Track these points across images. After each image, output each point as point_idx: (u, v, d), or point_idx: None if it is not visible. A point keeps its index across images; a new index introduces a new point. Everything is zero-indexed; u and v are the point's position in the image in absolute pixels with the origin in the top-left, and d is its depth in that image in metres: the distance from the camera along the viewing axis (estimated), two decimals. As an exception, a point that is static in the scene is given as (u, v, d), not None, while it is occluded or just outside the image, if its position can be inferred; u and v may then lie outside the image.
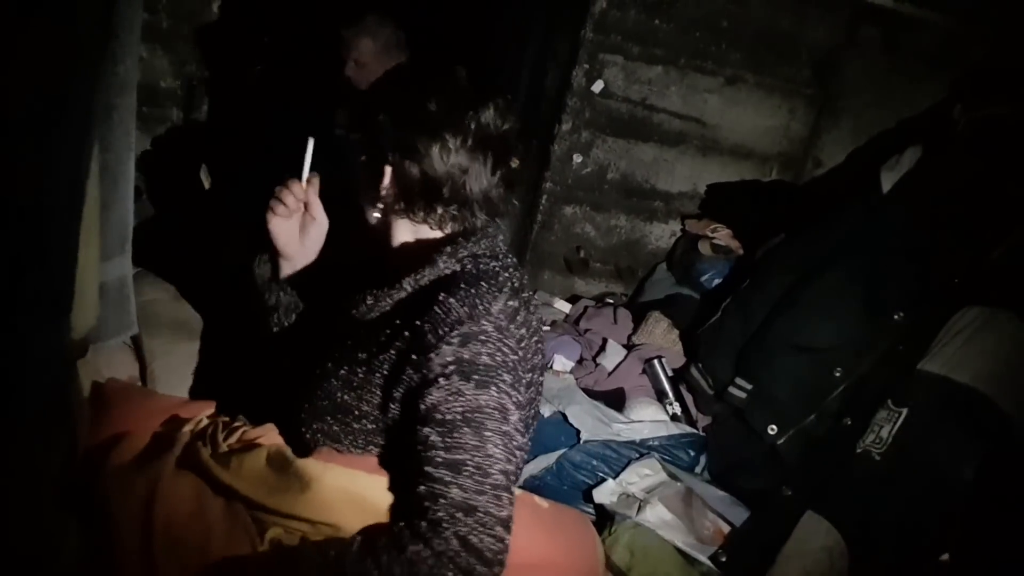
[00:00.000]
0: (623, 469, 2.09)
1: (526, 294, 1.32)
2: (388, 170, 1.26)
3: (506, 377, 1.16)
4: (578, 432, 2.16)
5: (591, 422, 2.19)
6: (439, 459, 1.10)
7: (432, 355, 1.14)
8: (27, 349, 0.96)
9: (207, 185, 2.21)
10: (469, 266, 1.25)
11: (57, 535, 1.07)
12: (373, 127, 1.29)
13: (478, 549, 1.07)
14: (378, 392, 1.23)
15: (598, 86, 2.80)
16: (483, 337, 1.16)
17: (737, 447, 2.23)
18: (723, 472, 2.20)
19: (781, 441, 2.14)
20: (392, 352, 1.21)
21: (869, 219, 2.25)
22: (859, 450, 1.92)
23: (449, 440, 1.11)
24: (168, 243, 2.27)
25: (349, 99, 2.88)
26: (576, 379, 2.47)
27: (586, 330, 2.76)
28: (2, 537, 0.98)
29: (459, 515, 1.07)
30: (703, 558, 1.89)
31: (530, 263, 3.03)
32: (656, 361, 2.47)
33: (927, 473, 1.85)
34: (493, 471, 1.11)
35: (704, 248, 2.89)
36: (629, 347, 2.65)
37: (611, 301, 3.03)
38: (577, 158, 2.91)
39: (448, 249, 1.25)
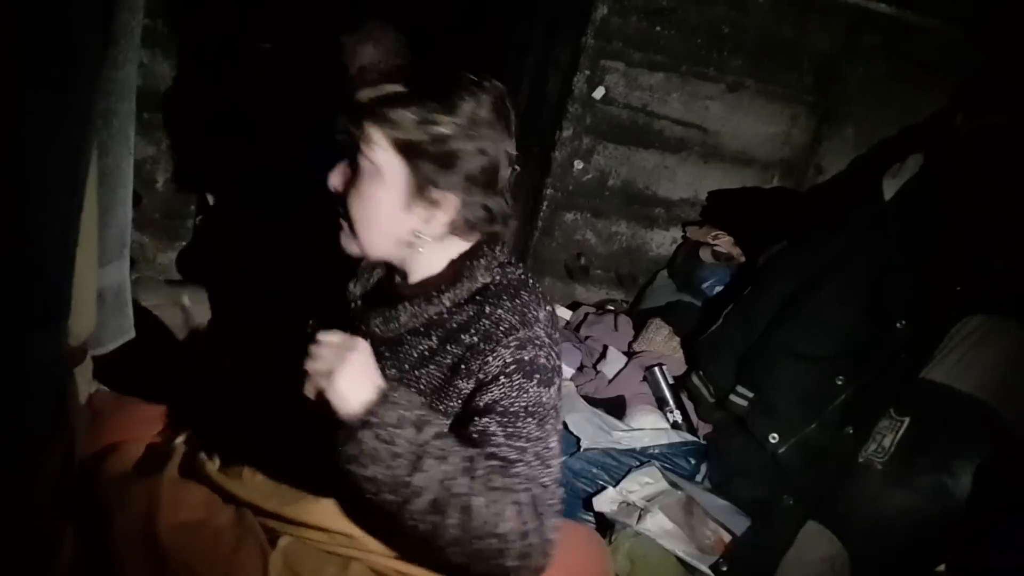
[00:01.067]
0: (623, 477, 2.08)
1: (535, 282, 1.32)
2: (454, 200, 1.17)
3: (557, 381, 1.17)
4: (578, 440, 2.15)
5: (591, 430, 2.18)
6: (501, 442, 1.09)
7: (489, 358, 1.12)
8: (24, 355, 0.95)
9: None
10: (499, 277, 1.22)
11: (52, 543, 1.06)
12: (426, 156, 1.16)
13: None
14: None
15: (599, 92, 2.79)
16: (538, 342, 1.15)
17: (738, 456, 2.22)
18: (724, 481, 2.18)
19: (782, 450, 2.13)
20: (432, 367, 1.18)
21: (871, 226, 2.25)
22: (861, 459, 1.91)
23: (511, 428, 1.09)
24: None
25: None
26: (576, 386, 2.46)
27: (587, 337, 2.75)
28: (2, 542, 0.97)
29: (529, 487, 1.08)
30: (704, 567, 1.88)
31: (531, 269, 3.00)
32: (657, 368, 2.47)
33: (929, 482, 1.84)
34: (552, 463, 1.11)
35: (705, 255, 2.89)
36: (630, 354, 2.65)
37: (612, 308, 3.02)
38: (578, 164, 2.90)
39: (483, 261, 1.20)
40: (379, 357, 1.15)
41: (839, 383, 2.10)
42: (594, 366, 2.59)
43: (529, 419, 1.11)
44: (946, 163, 2.22)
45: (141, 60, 1.25)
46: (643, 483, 2.06)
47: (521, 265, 1.29)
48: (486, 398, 1.12)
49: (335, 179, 1.23)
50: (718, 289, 2.78)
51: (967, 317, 1.94)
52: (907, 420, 1.88)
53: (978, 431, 1.83)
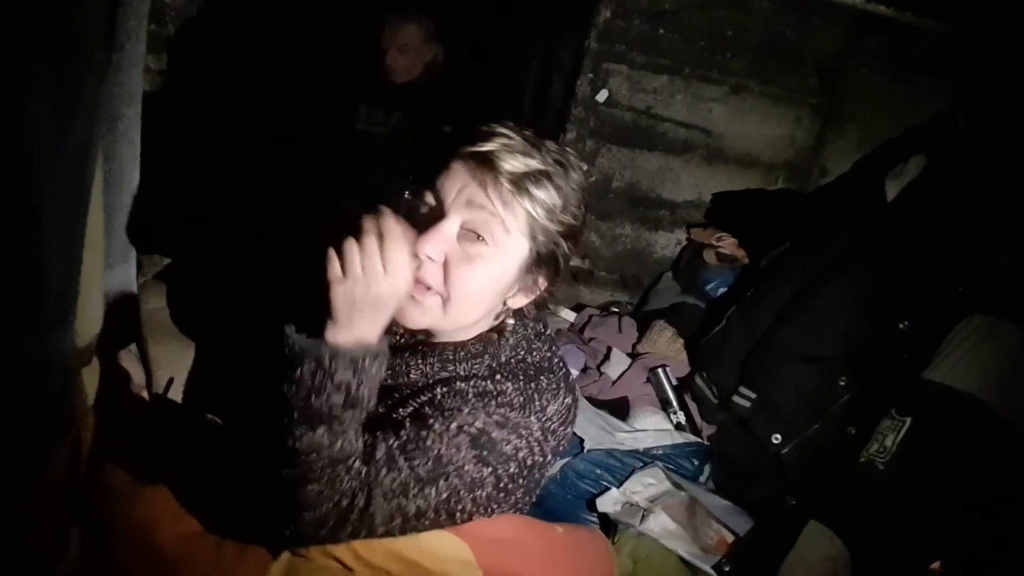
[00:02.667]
0: (627, 478, 2.08)
1: (562, 360, 1.25)
2: (544, 284, 1.16)
3: (513, 473, 1.08)
4: (582, 441, 2.16)
5: (595, 431, 2.19)
6: (391, 443, 1.05)
7: (465, 410, 1.07)
8: (32, 356, 0.97)
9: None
10: (522, 353, 1.17)
11: (58, 544, 1.08)
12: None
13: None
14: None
15: (603, 95, 2.81)
16: (523, 432, 1.08)
17: (741, 456, 2.22)
18: (727, 481, 2.19)
19: (785, 450, 2.14)
20: (416, 404, 1.13)
21: (874, 228, 2.25)
22: (863, 459, 1.91)
23: (411, 449, 1.05)
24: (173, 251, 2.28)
25: (372, 93, 2.90)
26: (580, 388, 2.47)
27: (590, 339, 2.76)
28: (7, 543, 0.98)
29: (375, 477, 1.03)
30: (707, 567, 1.88)
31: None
32: (660, 370, 2.47)
33: (931, 482, 1.84)
34: (411, 503, 1.04)
35: (709, 257, 2.89)
36: (633, 356, 2.65)
37: (616, 310, 3.03)
38: (582, 167, 2.91)
39: (512, 340, 1.16)
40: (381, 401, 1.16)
41: (842, 384, 2.11)
42: (598, 367, 2.60)
43: (430, 463, 1.04)
44: (948, 164, 2.22)
45: (147, 65, 1.26)
46: (646, 484, 2.07)
47: (552, 338, 1.24)
48: (426, 422, 1.07)
49: (432, 246, 1.09)
50: (722, 291, 2.79)
51: (969, 317, 1.94)
52: (909, 420, 1.88)
53: (979, 431, 1.83)
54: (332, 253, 1.01)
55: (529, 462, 1.09)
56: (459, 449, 1.05)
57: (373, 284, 1.00)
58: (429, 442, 1.05)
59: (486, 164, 1.10)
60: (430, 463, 1.05)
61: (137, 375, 1.84)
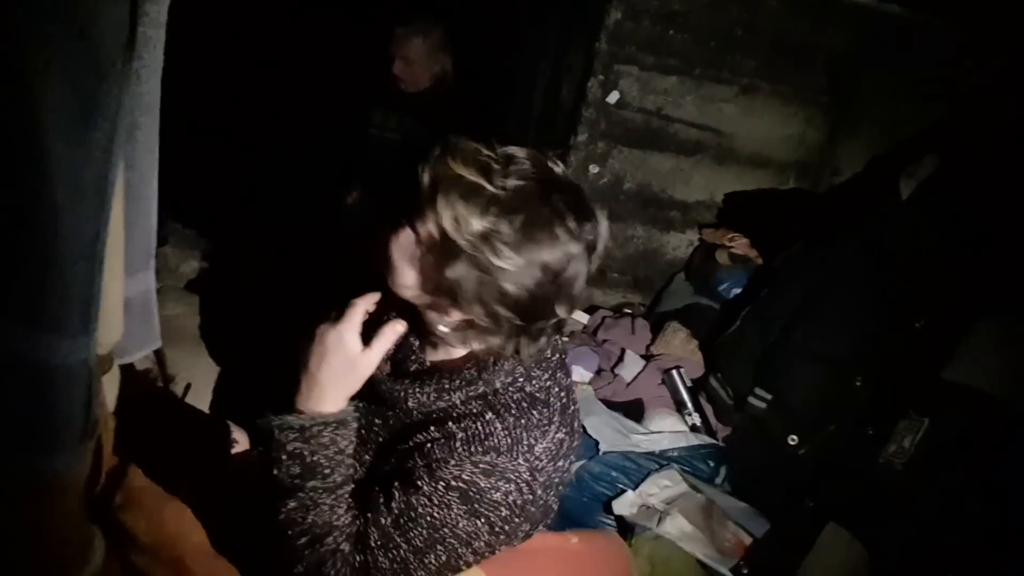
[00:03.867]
0: (643, 480, 2.08)
1: (570, 379, 1.22)
2: (462, 311, 1.09)
3: (505, 516, 1.08)
4: (597, 443, 2.16)
5: (610, 433, 2.18)
6: (384, 521, 1.08)
7: (451, 461, 1.06)
8: (56, 362, 0.98)
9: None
10: (521, 380, 1.14)
11: (82, 550, 1.08)
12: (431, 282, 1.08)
13: None
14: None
15: (613, 97, 2.80)
16: (511, 475, 1.07)
17: (758, 458, 2.21)
18: (744, 483, 2.18)
19: (802, 451, 2.13)
20: (411, 444, 1.14)
21: (888, 226, 2.24)
22: (881, 460, 1.91)
23: (404, 523, 1.07)
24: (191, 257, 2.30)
25: (387, 98, 2.92)
26: (595, 390, 2.46)
27: (604, 340, 2.76)
28: (34, 549, 0.99)
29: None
30: (724, 570, 1.88)
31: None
32: (675, 371, 2.47)
33: (951, 484, 1.83)
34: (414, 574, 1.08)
35: (722, 258, 2.88)
36: (647, 357, 2.65)
37: (629, 311, 3.02)
38: (593, 168, 2.91)
39: (507, 366, 1.12)
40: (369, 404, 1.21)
41: (858, 384, 2.10)
42: (612, 369, 2.59)
43: (425, 531, 1.06)
44: (963, 162, 2.21)
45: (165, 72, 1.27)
46: (663, 486, 2.06)
47: (559, 363, 1.20)
48: (416, 482, 1.07)
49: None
50: (735, 291, 2.78)
51: (985, 316, 1.93)
52: (927, 421, 1.87)
53: (998, 432, 1.82)
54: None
55: (519, 503, 1.08)
56: (450, 508, 1.06)
57: (323, 364, 1.12)
58: (420, 509, 1.07)
59: (436, 164, 1.10)
60: (425, 531, 1.06)
61: (157, 381, 1.85)
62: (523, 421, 1.10)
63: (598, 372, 2.59)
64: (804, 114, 3.02)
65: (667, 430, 2.29)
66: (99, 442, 1.22)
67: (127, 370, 1.54)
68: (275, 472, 1.12)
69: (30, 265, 0.87)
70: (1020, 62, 2.60)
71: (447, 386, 1.13)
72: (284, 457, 1.11)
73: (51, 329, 0.95)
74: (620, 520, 2.02)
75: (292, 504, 1.11)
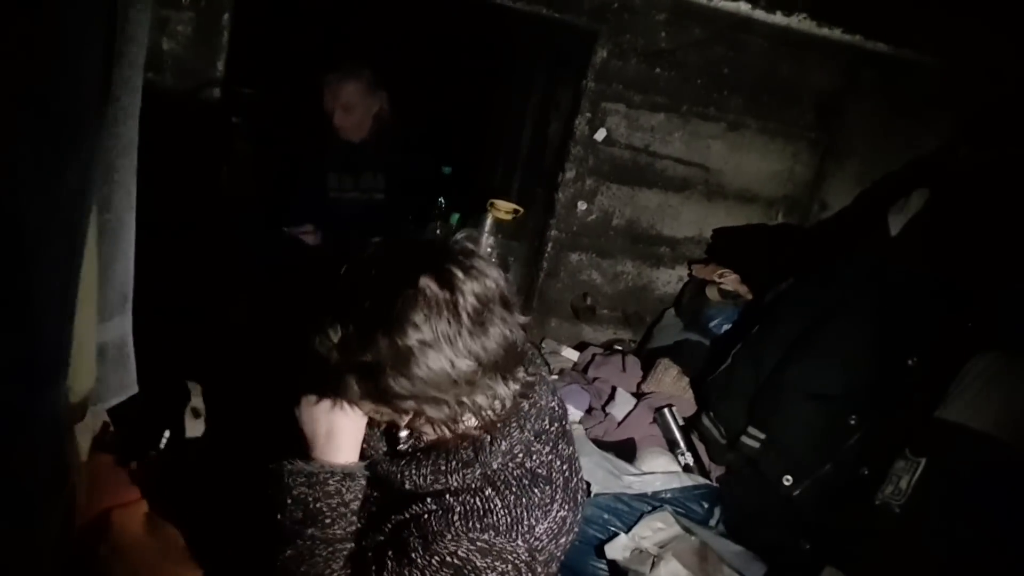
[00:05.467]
0: (635, 523, 2.04)
1: (572, 447, 1.18)
2: (417, 417, 1.06)
3: None
4: (588, 485, 2.12)
5: (602, 474, 2.15)
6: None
7: (448, 536, 1.03)
8: (23, 414, 0.94)
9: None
10: (521, 456, 1.09)
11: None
12: (355, 376, 1.02)
13: None
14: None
15: (601, 134, 2.81)
16: (508, 556, 1.03)
17: (752, 499, 2.18)
18: (738, 525, 2.14)
19: (797, 492, 2.10)
20: (407, 515, 1.10)
21: (878, 263, 2.23)
22: (878, 501, 1.87)
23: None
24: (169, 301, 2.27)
25: (337, 159, 2.93)
26: (585, 429, 2.43)
27: (595, 378, 2.73)
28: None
29: None
30: (720, 616, 1.84)
31: (537, 311, 3.01)
32: (666, 410, 2.44)
33: (949, 525, 1.79)
34: None
35: (712, 293, 2.87)
36: (639, 395, 2.62)
37: (619, 348, 3.00)
38: (582, 205, 2.91)
39: (504, 445, 1.07)
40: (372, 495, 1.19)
41: (852, 422, 2.07)
42: (603, 408, 2.56)
43: None
44: (951, 197, 2.21)
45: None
46: (656, 529, 2.02)
47: (560, 434, 1.16)
48: (409, 554, 1.04)
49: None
50: (726, 327, 2.76)
51: (979, 353, 1.91)
52: (924, 461, 1.84)
53: (997, 471, 1.79)
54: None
55: None
56: None
57: (327, 415, 1.12)
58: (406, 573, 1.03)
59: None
60: None
61: (133, 430, 1.81)
62: (524, 500, 1.05)
63: (589, 411, 2.55)
64: (791, 150, 3.04)
65: (659, 470, 2.25)
66: (71, 492, 1.18)
67: (102, 419, 1.50)
68: (278, 516, 1.11)
69: (-6, 314, 0.84)
70: (1007, 98, 2.63)
71: (443, 468, 1.08)
72: (288, 501, 1.11)
73: (19, 378, 0.92)
74: (612, 564, 1.98)
75: (289, 552, 1.10)
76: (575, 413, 2.51)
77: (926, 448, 1.86)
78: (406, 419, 1.07)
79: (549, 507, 1.07)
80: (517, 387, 1.06)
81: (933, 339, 2.03)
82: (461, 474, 1.07)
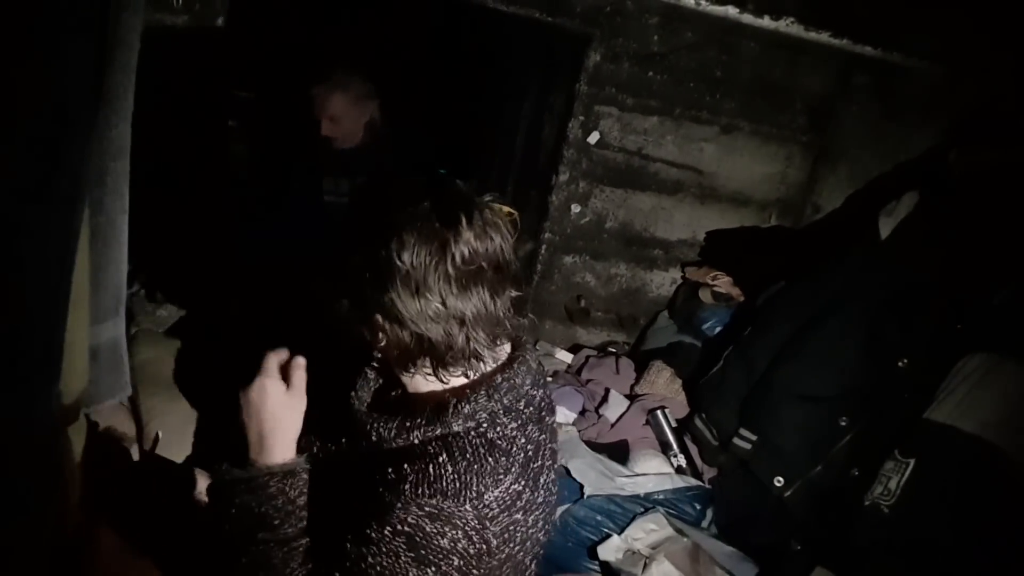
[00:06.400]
0: (628, 524, 2.05)
1: (545, 436, 1.19)
2: (379, 332, 1.10)
3: (458, 565, 1.04)
4: (581, 487, 2.13)
5: (594, 476, 2.15)
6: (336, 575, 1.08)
7: (398, 505, 1.04)
8: (15, 417, 0.95)
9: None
10: (485, 426, 1.10)
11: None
12: (349, 283, 1.08)
13: None
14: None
15: (594, 137, 2.82)
16: (457, 521, 1.03)
17: (744, 500, 2.18)
18: (730, 526, 2.15)
19: (788, 493, 2.10)
20: (367, 484, 1.12)
21: (869, 265, 2.24)
22: (867, 502, 1.88)
23: (355, 574, 1.05)
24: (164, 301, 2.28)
25: (330, 163, 2.93)
26: (579, 431, 2.44)
27: (588, 380, 2.73)
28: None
29: None
30: (712, 617, 1.84)
31: (531, 313, 3.01)
32: (659, 412, 2.45)
33: (938, 525, 1.80)
34: None
35: (705, 296, 2.88)
36: (632, 397, 2.63)
37: (613, 350, 3.01)
38: (575, 208, 2.92)
39: (468, 408, 1.09)
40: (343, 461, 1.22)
41: (843, 424, 2.08)
42: (596, 410, 2.57)
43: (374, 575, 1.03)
44: (941, 200, 2.23)
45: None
46: (648, 530, 2.03)
47: (533, 417, 1.17)
48: (366, 532, 1.05)
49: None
50: (719, 329, 2.77)
51: (968, 355, 1.92)
52: (913, 462, 1.85)
53: (984, 472, 1.80)
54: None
55: (472, 551, 1.04)
56: (398, 556, 1.03)
57: (255, 418, 1.15)
58: (371, 559, 1.04)
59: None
60: None
61: (127, 430, 1.81)
62: (476, 467, 1.06)
63: (582, 412, 2.56)
64: (784, 153, 3.05)
65: (652, 472, 2.26)
66: (64, 494, 1.19)
67: (95, 420, 1.50)
68: (226, 527, 1.12)
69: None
70: (997, 102, 2.64)
71: (408, 424, 1.11)
72: (233, 511, 1.12)
73: (10, 381, 0.92)
74: (605, 566, 1.98)
75: (245, 560, 1.11)
76: (568, 415, 2.51)
77: (915, 449, 1.87)
78: (378, 339, 1.11)
79: (501, 477, 1.08)
80: (478, 349, 1.08)
81: (923, 341, 2.04)
82: (422, 431, 1.10)
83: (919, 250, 2.15)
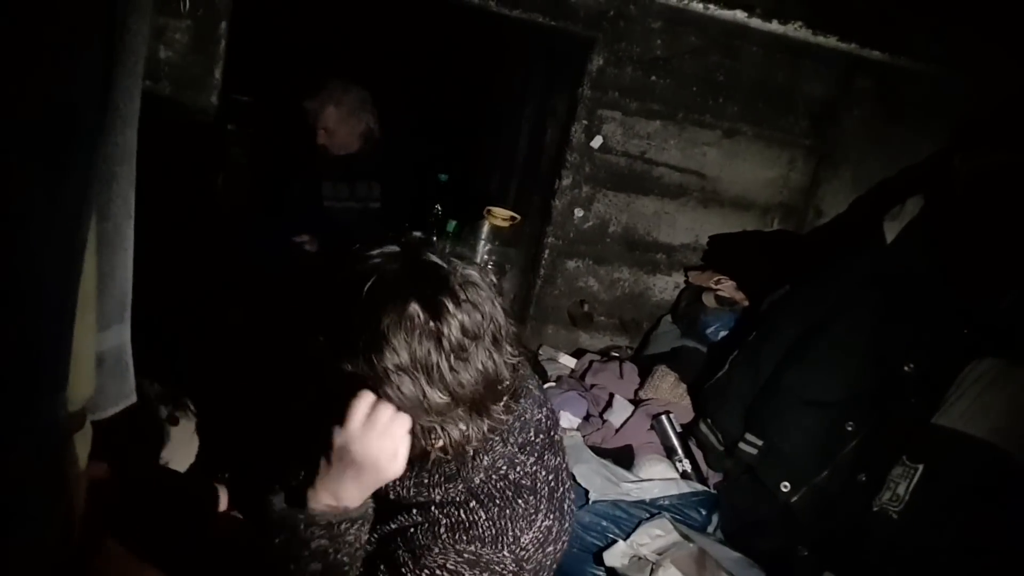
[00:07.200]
0: (634, 530, 2.04)
1: (560, 458, 1.16)
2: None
3: None
4: (587, 492, 2.12)
5: (600, 481, 2.14)
6: None
7: (435, 549, 1.02)
8: (23, 425, 0.94)
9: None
10: (504, 468, 1.09)
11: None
12: (339, 382, 1.02)
13: None
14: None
15: (597, 141, 2.82)
16: (496, 567, 1.03)
17: (750, 505, 2.17)
18: (736, 531, 2.14)
19: (795, 498, 2.09)
20: (394, 526, 1.10)
21: (874, 270, 2.24)
22: (876, 508, 1.87)
23: None
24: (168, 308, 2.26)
25: (328, 169, 2.93)
26: (583, 436, 2.43)
27: (592, 385, 2.73)
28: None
29: None
30: (719, 623, 1.83)
31: (534, 318, 3.01)
32: (664, 417, 2.44)
33: (948, 531, 1.79)
34: None
35: (708, 300, 2.87)
36: (636, 402, 2.62)
37: (616, 355, 3.00)
38: (578, 212, 2.92)
39: (487, 460, 1.07)
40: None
41: (849, 429, 2.07)
42: (600, 415, 2.56)
43: None
44: (947, 204, 2.22)
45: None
46: (654, 536, 2.02)
47: (546, 445, 1.15)
48: (400, 570, 1.02)
49: None
50: (723, 334, 2.76)
51: (976, 360, 1.91)
52: (921, 467, 1.84)
53: (994, 477, 1.79)
54: (353, 403, 0.99)
55: None
56: None
57: (375, 443, 0.99)
58: None
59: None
60: None
61: (132, 438, 1.80)
62: (508, 511, 1.05)
63: (586, 418, 2.55)
64: (787, 157, 3.05)
65: (657, 477, 2.25)
66: (70, 503, 1.18)
67: (100, 428, 1.49)
68: (291, 567, 1.04)
69: (-5, 324, 0.84)
70: (1000, 106, 2.64)
71: (426, 481, 1.08)
72: (307, 554, 1.04)
73: (18, 388, 0.91)
74: (611, 572, 1.97)
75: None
76: (572, 420, 2.51)
77: (923, 454, 1.86)
78: None
79: (534, 517, 1.07)
80: (489, 423, 1.04)
81: (930, 345, 2.03)
82: (444, 488, 1.07)
83: (925, 254, 2.15)
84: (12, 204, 0.83)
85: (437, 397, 0.98)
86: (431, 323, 0.97)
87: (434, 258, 1.02)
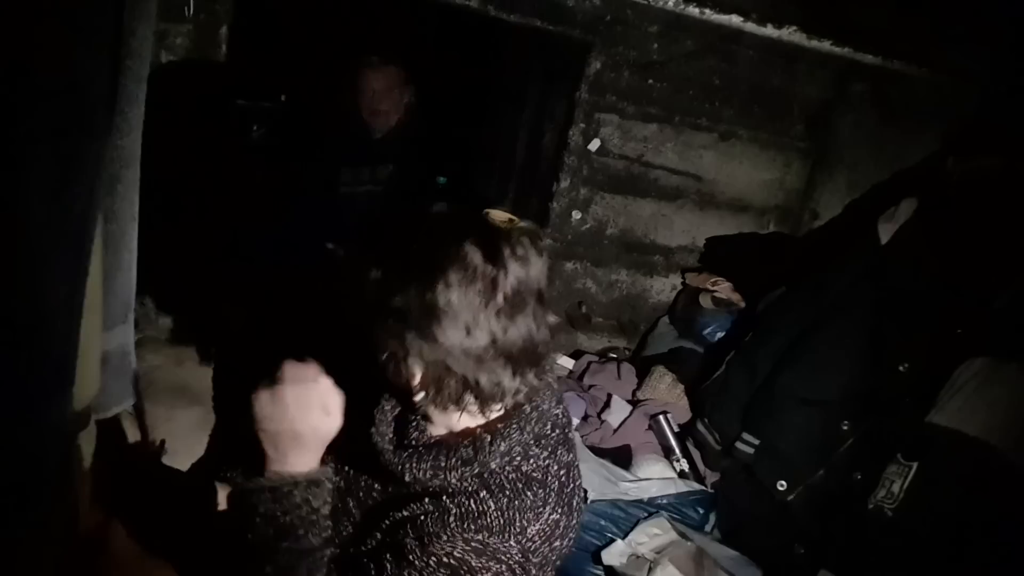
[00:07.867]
0: (632, 529, 2.05)
1: (572, 455, 1.17)
2: (417, 372, 1.06)
3: None
4: (585, 491, 2.13)
5: (598, 481, 2.16)
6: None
7: (443, 537, 1.03)
8: (30, 422, 0.95)
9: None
10: (519, 459, 1.10)
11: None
12: (384, 320, 1.03)
13: None
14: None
15: (595, 144, 2.84)
16: (502, 557, 1.03)
17: (747, 504, 2.19)
18: (734, 530, 2.16)
19: (791, 497, 2.11)
20: (405, 513, 1.10)
21: (869, 271, 2.26)
22: (871, 505, 1.89)
23: None
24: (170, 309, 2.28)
25: (355, 148, 2.91)
26: (582, 436, 2.45)
27: (590, 386, 2.74)
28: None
29: None
30: (716, 621, 1.85)
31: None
32: (662, 417, 2.46)
33: (942, 528, 1.81)
34: None
35: (705, 302, 2.90)
36: (634, 403, 2.63)
37: (614, 356, 3.02)
38: (576, 215, 2.93)
39: (503, 446, 1.07)
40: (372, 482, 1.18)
41: (845, 428, 2.09)
42: (599, 415, 2.58)
43: None
44: (940, 206, 2.24)
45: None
46: (652, 534, 2.04)
47: (560, 440, 1.15)
48: (405, 555, 1.03)
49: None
50: (719, 335, 2.79)
51: (970, 359, 1.93)
52: (915, 465, 1.86)
53: (987, 475, 1.81)
54: (254, 397, 1.06)
55: None
56: None
57: (284, 422, 1.05)
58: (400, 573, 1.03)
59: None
60: None
61: (133, 437, 1.82)
62: (516, 503, 1.06)
63: (585, 418, 2.57)
64: (782, 159, 3.07)
65: (655, 476, 2.27)
66: (74, 500, 1.19)
67: (104, 426, 1.51)
68: (248, 536, 1.08)
69: (4, 323, 0.86)
70: (993, 109, 2.67)
71: (443, 464, 1.09)
72: (257, 520, 1.08)
73: (26, 387, 0.93)
74: (610, 570, 1.99)
75: (269, 569, 1.07)
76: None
77: (918, 453, 1.88)
78: (417, 384, 1.07)
79: (541, 510, 1.08)
80: (522, 386, 1.06)
81: (924, 346, 2.06)
82: (459, 471, 1.08)
83: (919, 255, 2.17)
84: (22, 204, 0.85)
85: (479, 337, 1.00)
86: (488, 266, 1.00)
87: (495, 211, 1.06)
